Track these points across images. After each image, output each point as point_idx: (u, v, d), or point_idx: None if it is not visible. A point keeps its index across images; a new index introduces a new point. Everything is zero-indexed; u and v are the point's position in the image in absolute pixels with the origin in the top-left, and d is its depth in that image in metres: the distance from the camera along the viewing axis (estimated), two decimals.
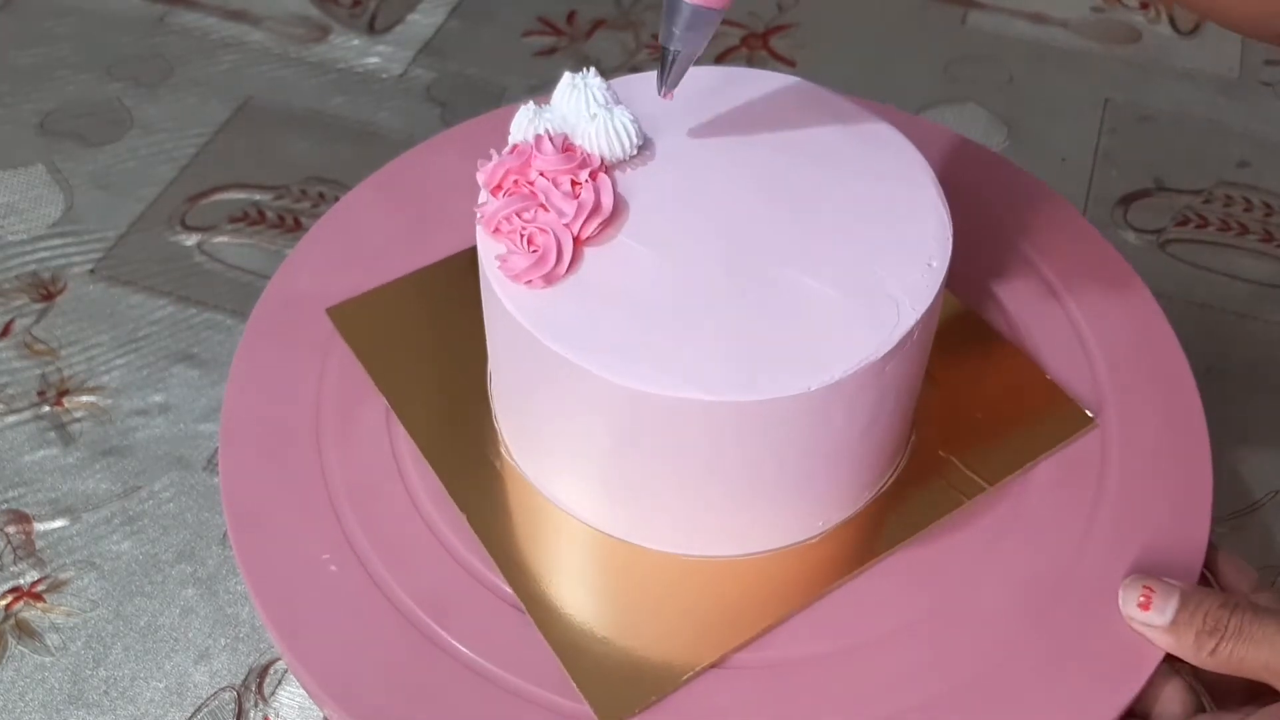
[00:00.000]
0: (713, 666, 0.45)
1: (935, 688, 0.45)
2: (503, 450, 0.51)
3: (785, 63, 0.96)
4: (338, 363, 0.55)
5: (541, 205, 0.45)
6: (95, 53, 0.95)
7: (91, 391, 0.71)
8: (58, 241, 0.80)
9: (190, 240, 0.80)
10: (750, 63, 0.95)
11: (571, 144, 0.47)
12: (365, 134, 0.88)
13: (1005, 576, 0.48)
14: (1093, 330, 0.57)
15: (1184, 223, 0.82)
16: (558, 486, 0.49)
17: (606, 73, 0.50)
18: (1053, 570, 0.48)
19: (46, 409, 0.70)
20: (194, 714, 0.58)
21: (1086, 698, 0.44)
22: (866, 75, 0.95)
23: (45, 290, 0.77)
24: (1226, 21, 0.42)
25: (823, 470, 0.46)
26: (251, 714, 0.58)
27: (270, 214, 0.82)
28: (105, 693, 0.59)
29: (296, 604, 0.47)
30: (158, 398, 0.71)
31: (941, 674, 0.45)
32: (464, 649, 0.46)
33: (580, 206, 0.45)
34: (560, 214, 0.45)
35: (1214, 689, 0.46)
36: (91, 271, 0.78)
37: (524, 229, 0.44)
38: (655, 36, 0.97)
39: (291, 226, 0.81)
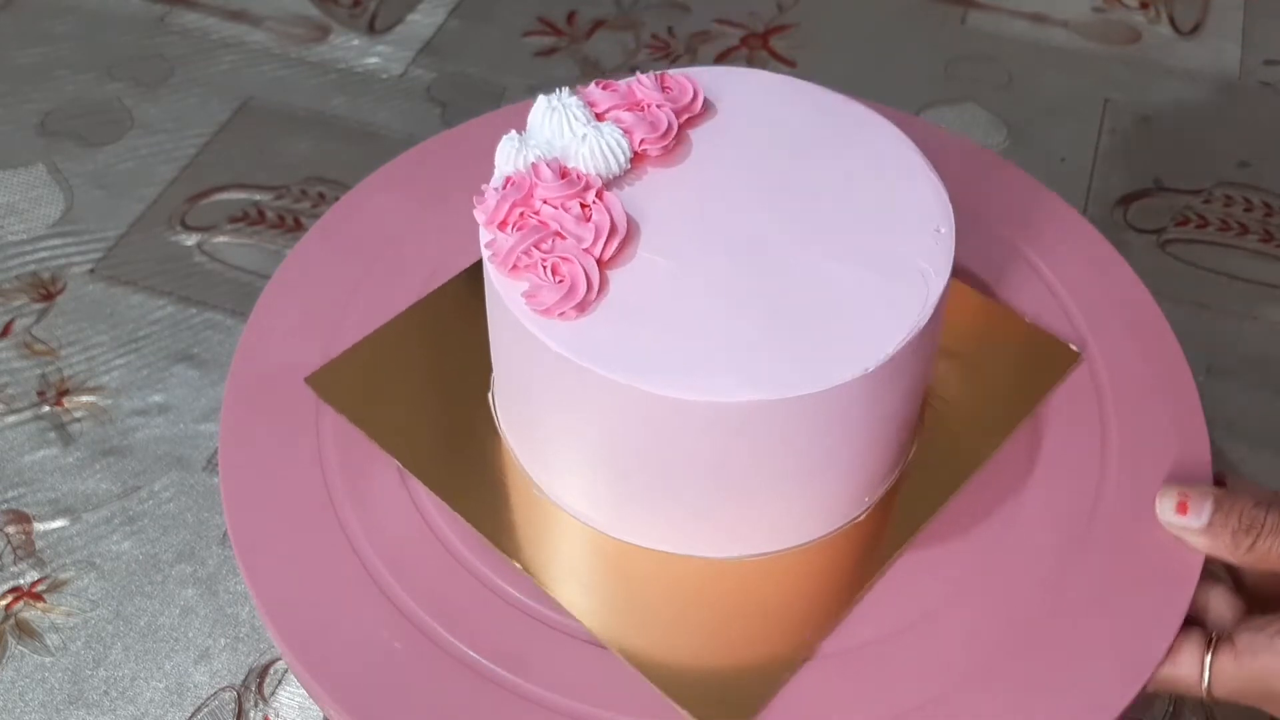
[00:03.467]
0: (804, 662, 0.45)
1: (1005, 632, 0.46)
2: (535, 484, 0.50)
3: (785, 63, 0.96)
4: (330, 423, 0.52)
5: (557, 234, 0.44)
6: (95, 53, 0.95)
7: (91, 391, 0.71)
8: (58, 241, 0.80)
9: (190, 240, 0.80)
10: (750, 63, 0.95)
11: (566, 168, 0.46)
12: (365, 134, 0.88)
13: (1043, 515, 0.49)
14: (1093, 330, 0.57)
15: (1184, 223, 0.82)
16: (596, 510, 0.48)
17: (606, 74, 0.50)
18: (1085, 499, 0.49)
19: (46, 409, 0.70)
20: (194, 714, 0.58)
21: (1147, 610, 0.46)
22: (866, 75, 0.95)
23: (45, 290, 0.77)
24: None
25: (878, 446, 0.47)
26: (251, 714, 0.58)
27: (270, 214, 0.82)
28: (105, 693, 0.59)
29: (296, 604, 0.47)
30: (158, 398, 0.71)
31: (1008, 613, 0.46)
32: (466, 649, 0.46)
33: (597, 230, 0.44)
34: (579, 240, 0.44)
35: (1256, 596, 0.48)
36: (91, 271, 0.78)
37: (544, 260, 0.43)
38: (655, 36, 0.97)
39: (292, 226, 0.81)
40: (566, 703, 0.45)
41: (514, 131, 0.47)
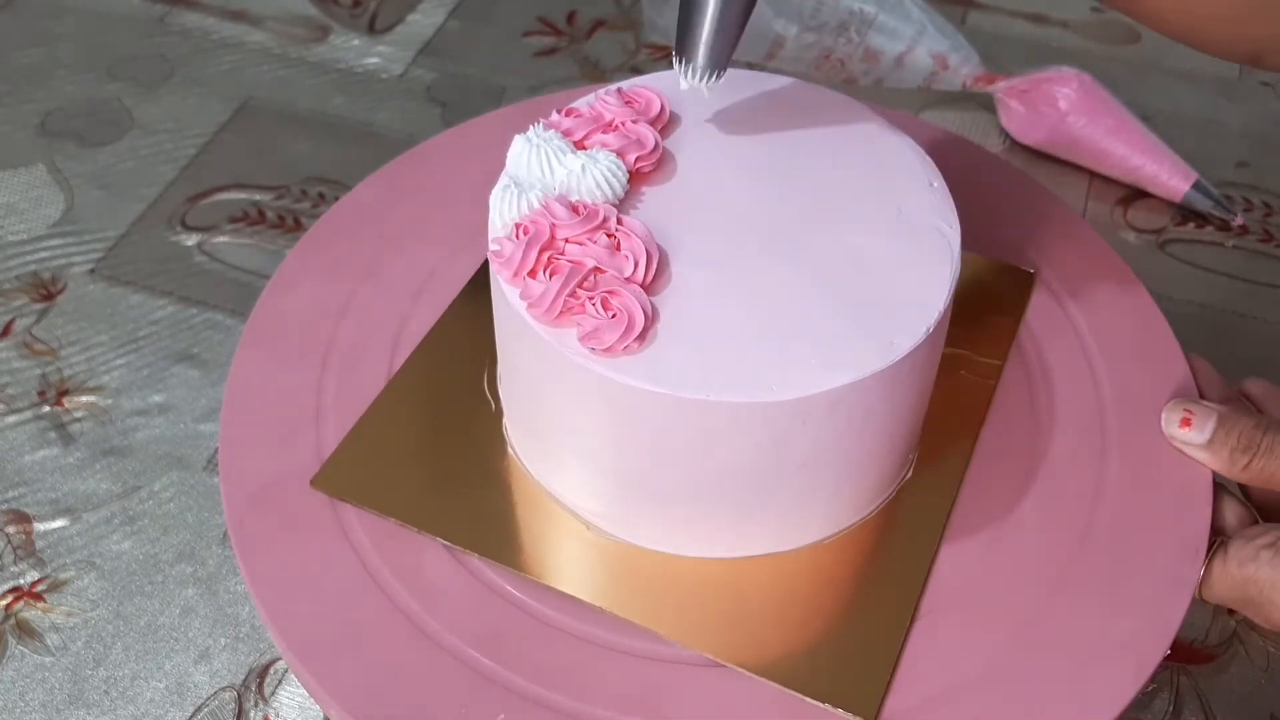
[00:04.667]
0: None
1: (1010, 627, 0.47)
2: (585, 514, 0.50)
3: None
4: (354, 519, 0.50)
5: (596, 269, 0.43)
6: (95, 53, 0.95)
7: (91, 391, 0.71)
8: (58, 241, 0.80)
9: (190, 240, 0.80)
10: (750, 63, 0.95)
11: (573, 202, 0.45)
12: (365, 134, 0.88)
13: (1045, 515, 0.51)
14: (1092, 331, 0.57)
15: (1184, 223, 0.82)
16: (663, 530, 0.48)
17: (606, 74, 0.50)
18: (1085, 498, 0.51)
19: (46, 409, 0.70)
20: (194, 714, 0.58)
21: (1174, 520, 0.49)
22: None
23: (45, 290, 0.77)
24: (1195, 42, 0.44)
25: (928, 399, 0.48)
26: (251, 714, 0.58)
27: (270, 214, 0.82)
28: (105, 693, 0.59)
29: (296, 604, 0.47)
30: (158, 398, 0.71)
31: (1010, 610, 0.48)
32: (467, 649, 0.46)
33: (634, 257, 0.43)
34: (619, 272, 0.43)
35: (1263, 509, 0.51)
36: (91, 271, 0.78)
37: (591, 299, 0.42)
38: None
39: (292, 226, 0.81)
40: (573, 704, 0.45)
41: (506, 179, 0.46)
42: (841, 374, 0.41)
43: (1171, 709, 0.59)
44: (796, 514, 0.47)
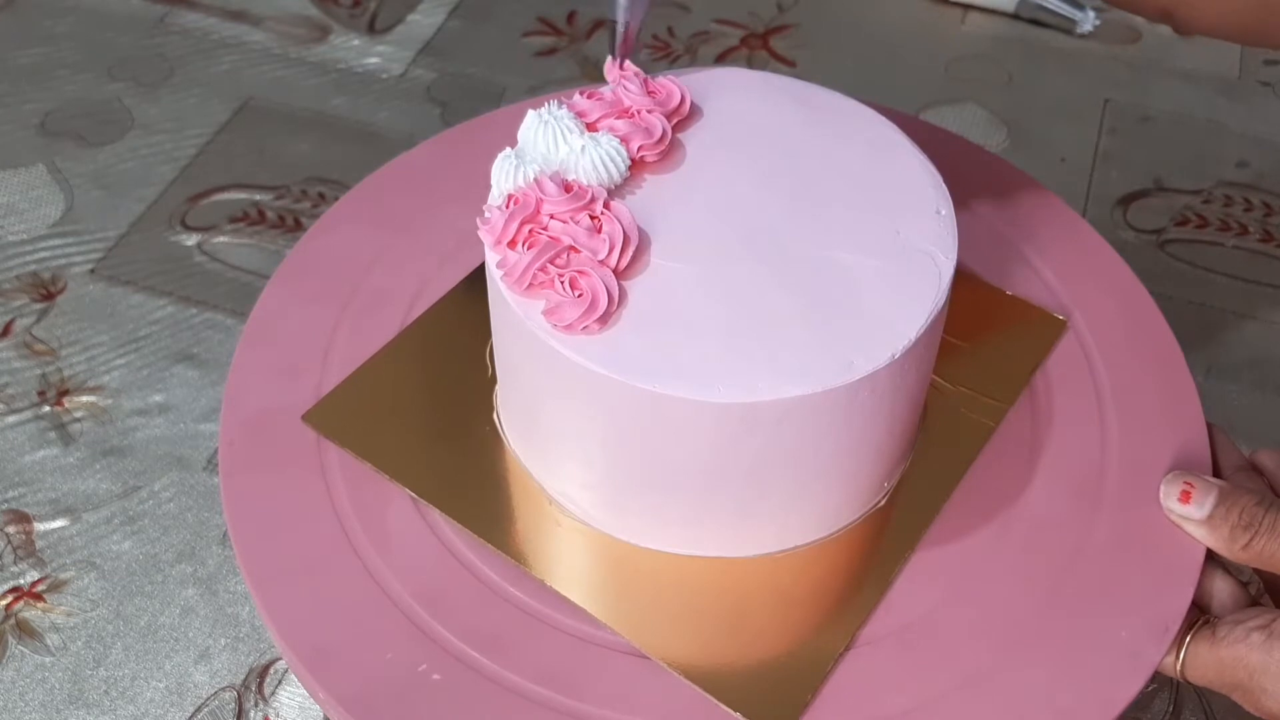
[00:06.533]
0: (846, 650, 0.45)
1: (1005, 629, 0.47)
2: (550, 497, 0.50)
3: (785, 63, 0.96)
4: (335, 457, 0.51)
5: (571, 248, 0.44)
6: (95, 53, 0.95)
7: (91, 391, 0.71)
8: (58, 241, 0.80)
9: (190, 240, 0.80)
10: (750, 63, 0.95)
11: (568, 181, 0.45)
12: (365, 134, 0.88)
13: (1045, 514, 0.50)
14: (1092, 331, 0.57)
15: (1184, 223, 0.82)
16: (621, 518, 0.48)
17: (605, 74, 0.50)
18: (1085, 499, 0.50)
19: (47, 409, 0.70)
20: (194, 714, 0.58)
21: (1152, 594, 0.47)
22: (866, 75, 0.95)
23: (45, 290, 0.77)
24: (1232, 35, 0.43)
25: (900, 427, 0.48)
26: (251, 714, 0.58)
27: (270, 214, 0.82)
28: (105, 693, 0.59)
29: (297, 604, 0.47)
30: (158, 398, 0.71)
31: (1008, 612, 0.47)
32: (468, 649, 0.46)
33: (611, 241, 0.43)
34: (593, 253, 0.43)
35: (1274, 591, 0.49)
36: (91, 271, 0.78)
37: (561, 275, 0.43)
38: (656, 37, 0.97)
39: (292, 226, 0.81)
40: (576, 705, 0.45)
41: (508, 149, 0.47)
42: (793, 386, 0.41)
43: (1171, 709, 0.59)
44: (744, 521, 0.47)
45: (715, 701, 0.44)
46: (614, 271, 0.44)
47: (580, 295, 0.42)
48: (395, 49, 0.96)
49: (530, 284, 0.43)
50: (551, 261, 0.43)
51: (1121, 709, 0.44)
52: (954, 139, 0.65)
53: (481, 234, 0.45)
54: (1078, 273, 0.59)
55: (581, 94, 0.50)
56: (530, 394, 0.47)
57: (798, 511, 0.47)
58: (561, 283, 0.43)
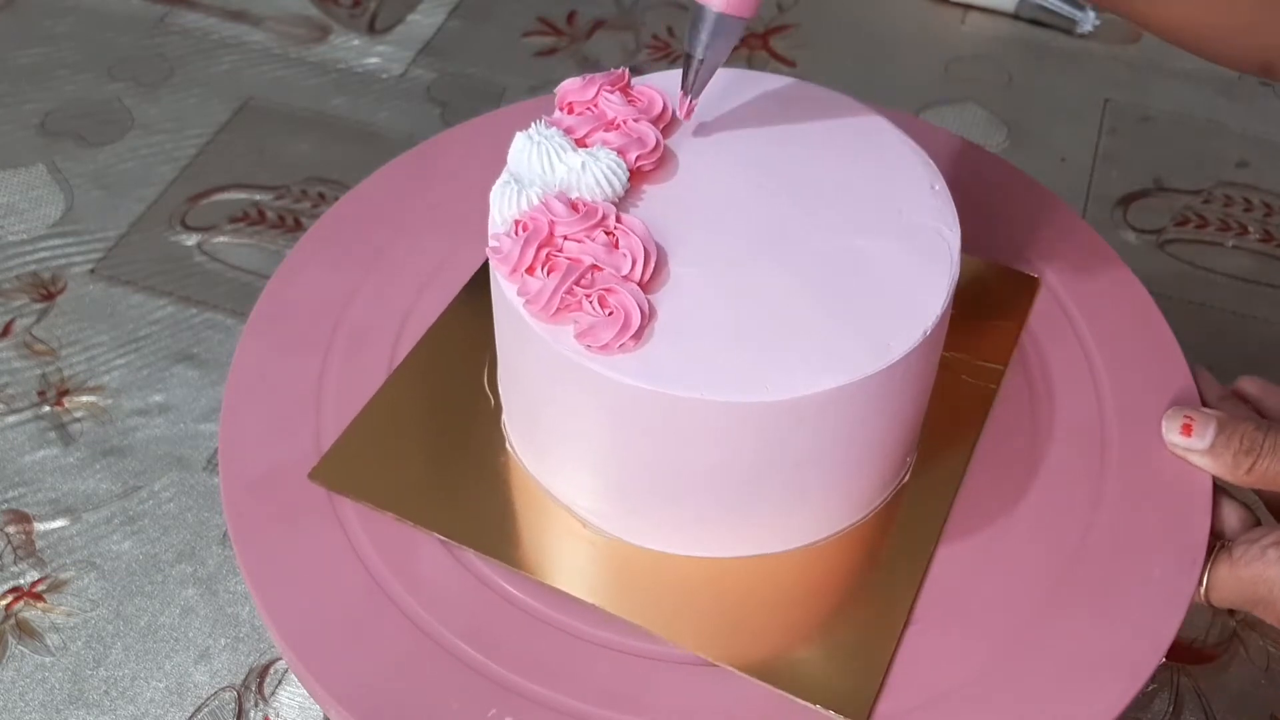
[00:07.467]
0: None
1: (1063, 554, 0.48)
2: (577, 515, 0.49)
3: (785, 63, 0.96)
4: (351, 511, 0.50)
5: (594, 267, 0.43)
6: (95, 53, 0.95)
7: (91, 391, 0.71)
8: (58, 241, 0.80)
9: (190, 240, 0.80)
10: (750, 63, 0.95)
11: (572, 200, 0.45)
12: (365, 134, 0.88)
13: (1045, 515, 0.51)
14: (1092, 331, 0.57)
15: (1184, 223, 0.82)
16: (677, 536, 0.48)
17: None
18: (1085, 498, 0.51)
19: (47, 409, 0.70)
20: (194, 714, 0.58)
21: (1173, 530, 0.49)
22: (866, 75, 0.95)
23: (45, 290, 0.77)
24: (1206, 53, 0.44)
25: (926, 401, 0.48)
26: (251, 714, 0.58)
27: (270, 214, 0.82)
28: (105, 693, 0.59)
29: (298, 604, 0.47)
30: (158, 398, 0.71)
31: (1060, 536, 0.49)
32: (469, 649, 0.46)
33: (632, 255, 0.43)
34: (616, 269, 0.43)
35: (1276, 509, 0.51)
36: (91, 271, 0.78)
37: (588, 296, 0.42)
38: (655, 37, 0.97)
39: (292, 226, 0.81)
40: (577, 705, 0.45)
41: (505, 175, 0.46)
42: (836, 375, 0.41)
43: (1171, 709, 0.59)
44: (791, 514, 0.47)
45: (792, 698, 0.44)
46: (639, 285, 0.43)
47: (611, 314, 0.42)
48: (395, 49, 0.96)
49: (558, 309, 0.43)
50: (577, 283, 0.43)
51: (1169, 642, 0.46)
52: (954, 139, 0.65)
53: (494, 264, 0.44)
54: (1077, 274, 0.59)
55: (562, 109, 0.49)
56: (559, 420, 0.46)
57: (838, 499, 0.48)
58: (591, 303, 0.42)
